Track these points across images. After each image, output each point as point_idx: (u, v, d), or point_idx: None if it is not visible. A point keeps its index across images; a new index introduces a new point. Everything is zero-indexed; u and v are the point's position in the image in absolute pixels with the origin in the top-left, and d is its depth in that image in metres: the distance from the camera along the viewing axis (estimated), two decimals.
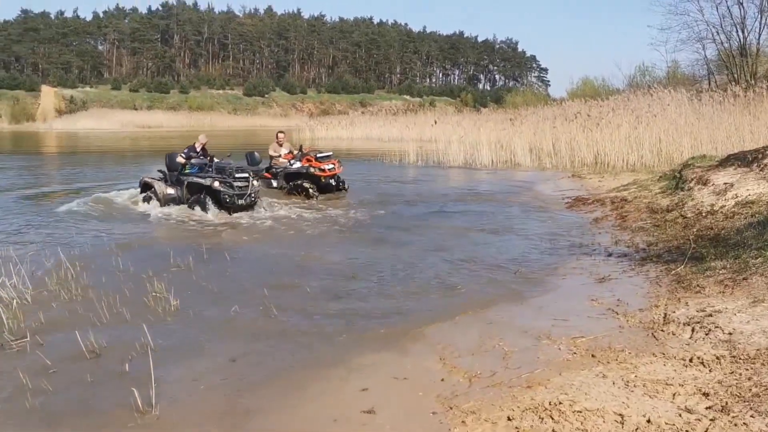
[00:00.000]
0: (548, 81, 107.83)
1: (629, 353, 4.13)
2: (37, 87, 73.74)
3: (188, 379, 4.03)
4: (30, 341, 4.63)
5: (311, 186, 12.48)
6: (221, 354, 4.46)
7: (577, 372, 3.86)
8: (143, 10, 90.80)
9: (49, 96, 72.01)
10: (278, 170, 13.03)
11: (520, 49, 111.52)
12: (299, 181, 12.61)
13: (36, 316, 5.16)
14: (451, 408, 3.52)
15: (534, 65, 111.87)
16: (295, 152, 13.14)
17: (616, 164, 16.39)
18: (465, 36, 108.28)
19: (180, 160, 11.16)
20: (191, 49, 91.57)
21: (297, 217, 10.48)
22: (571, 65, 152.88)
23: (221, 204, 10.49)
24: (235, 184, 10.52)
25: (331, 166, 12.65)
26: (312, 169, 12.54)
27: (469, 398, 3.62)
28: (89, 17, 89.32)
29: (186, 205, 10.83)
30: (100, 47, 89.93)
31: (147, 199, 11.29)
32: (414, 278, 6.50)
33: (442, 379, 3.94)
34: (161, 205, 11.01)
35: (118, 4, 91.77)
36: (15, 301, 5.38)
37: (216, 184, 10.44)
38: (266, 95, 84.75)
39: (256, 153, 13.51)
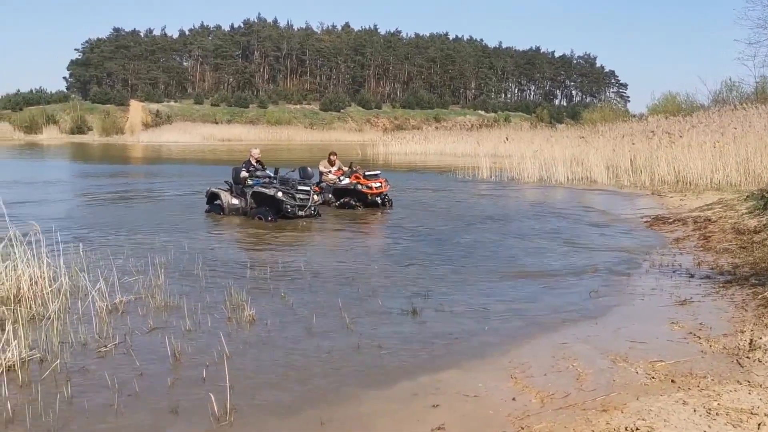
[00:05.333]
0: (628, 97, 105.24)
1: (712, 380, 3.97)
2: (126, 102, 77.72)
3: (262, 387, 4.14)
4: (116, 345, 4.86)
5: (358, 203, 12.95)
6: (296, 364, 4.55)
7: (655, 397, 3.75)
8: (226, 27, 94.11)
9: (137, 110, 75.68)
10: (327, 186, 13.41)
11: (598, 65, 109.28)
12: (347, 198, 13.07)
13: (124, 321, 5.42)
14: (522, 428, 3.48)
15: (613, 81, 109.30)
16: (345, 169, 13.53)
17: (698, 183, 15.79)
18: (541, 51, 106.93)
19: (244, 175, 11.67)
20: (270, 64, 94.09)
21: (366, 234, 10.59)
22: (653, 81, 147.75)
23: (283, 214, 10.97)
24: (297, 195, 11.15)
25: (378, 184, 13.04)
26: (359, 186, 12.95)
27: (541, 419, 3.56)
28: (176, 35, 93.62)
29: (249, 216, 11.31)
30: (184, 63, 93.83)
31: (214, 209, 11.84)
32: (486, 296, 6.45)
33: (514, 398, 3.90)
34: (225, 214, 11.58)
35: (203, 22, 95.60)
36: (106, 305, 5.67)
37: (279, 194, 11.06)
38: (342, 110, 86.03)
39: (308, 167, 13.72)
